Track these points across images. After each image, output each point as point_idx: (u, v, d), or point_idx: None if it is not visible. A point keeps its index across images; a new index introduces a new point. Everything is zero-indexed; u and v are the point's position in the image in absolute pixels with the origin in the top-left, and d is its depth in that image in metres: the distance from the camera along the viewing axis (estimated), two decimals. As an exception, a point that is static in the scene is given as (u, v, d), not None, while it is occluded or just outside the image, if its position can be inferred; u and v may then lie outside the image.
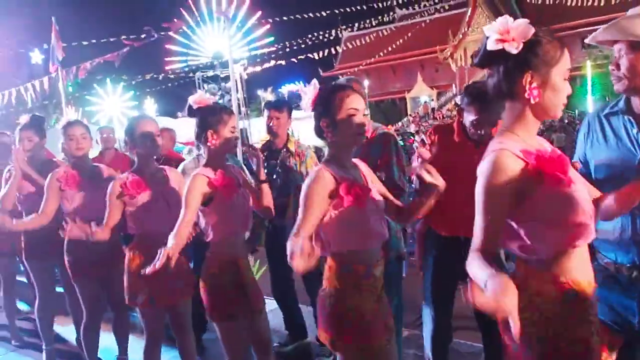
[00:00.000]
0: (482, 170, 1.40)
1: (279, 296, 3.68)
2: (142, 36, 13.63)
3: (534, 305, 1.38)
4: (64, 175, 3.08)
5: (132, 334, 3.46)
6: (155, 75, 31.35)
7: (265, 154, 3.35)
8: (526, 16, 1.87)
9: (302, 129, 11.73)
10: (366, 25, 32.92)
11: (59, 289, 3.71)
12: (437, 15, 36.93)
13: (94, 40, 19.09)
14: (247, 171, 3.22)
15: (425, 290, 2.76)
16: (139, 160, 2.73)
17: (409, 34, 35.67)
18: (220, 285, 2.35)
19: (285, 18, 29.10)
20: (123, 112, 34.94)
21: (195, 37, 35.29)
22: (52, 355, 3.68)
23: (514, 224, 1.40)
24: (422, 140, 2.55)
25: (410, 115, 35.81)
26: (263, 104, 4.05)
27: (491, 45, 1.37)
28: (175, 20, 13.30)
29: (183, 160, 4.08)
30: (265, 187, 2.54)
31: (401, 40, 35.00)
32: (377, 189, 2.00)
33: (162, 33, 13.71)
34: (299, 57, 29.03)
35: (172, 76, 32.86)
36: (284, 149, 3.47)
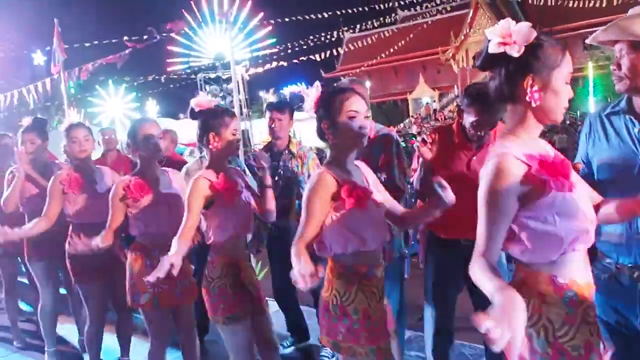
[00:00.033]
0: (485, 174, 1.40)
1: (280, 297, 3.68)
2: (144, 38, 13.67)
3: (534, 307, 1.38)
4: (67, 178, 3.08)
5: (135, 336, 3.47)
6: (157, 77, 31.38)
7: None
8: (528, 17, 1.88)
9: (304, 130, 11.71)
10: (368, 27, 32.83)
11: (62, 291, 3.72)
12: (438, 16, 36.79)
13: (96, 42, 19.20)
14: (249, 173, 3.22)
15: (427, 292, 2.77)
16: (142, 163, 2.74)
17: (411, 35, 35.57)
18: (223, 288, 2.36)
19: (287, 19, 29.08)
20: (125, 113, 35.00)
21: (197, 39, 35.26)
22: (55, 357, 3.68)
23: (515, 227, 1.40)
24: (423, 139, 2.54)
25: (412, 116, 35.76)
26: (265, 105, 4.05)
27: (493, 48, 1.38)
28: (177, 21, 13.31)
29: (185, 162, 4.08)
30: (269, 191, 2.53)
31: (403, 42, 34.90)
32: (380, 196, 2.00)
33: (164, 34, 13.74)
34: (300, 59, 29.02)
35: (174, 77, 32.89)
36: (286, 151, 3.46)
